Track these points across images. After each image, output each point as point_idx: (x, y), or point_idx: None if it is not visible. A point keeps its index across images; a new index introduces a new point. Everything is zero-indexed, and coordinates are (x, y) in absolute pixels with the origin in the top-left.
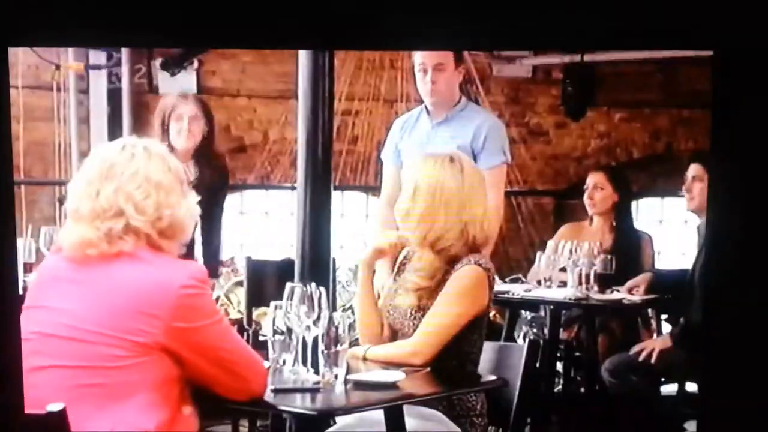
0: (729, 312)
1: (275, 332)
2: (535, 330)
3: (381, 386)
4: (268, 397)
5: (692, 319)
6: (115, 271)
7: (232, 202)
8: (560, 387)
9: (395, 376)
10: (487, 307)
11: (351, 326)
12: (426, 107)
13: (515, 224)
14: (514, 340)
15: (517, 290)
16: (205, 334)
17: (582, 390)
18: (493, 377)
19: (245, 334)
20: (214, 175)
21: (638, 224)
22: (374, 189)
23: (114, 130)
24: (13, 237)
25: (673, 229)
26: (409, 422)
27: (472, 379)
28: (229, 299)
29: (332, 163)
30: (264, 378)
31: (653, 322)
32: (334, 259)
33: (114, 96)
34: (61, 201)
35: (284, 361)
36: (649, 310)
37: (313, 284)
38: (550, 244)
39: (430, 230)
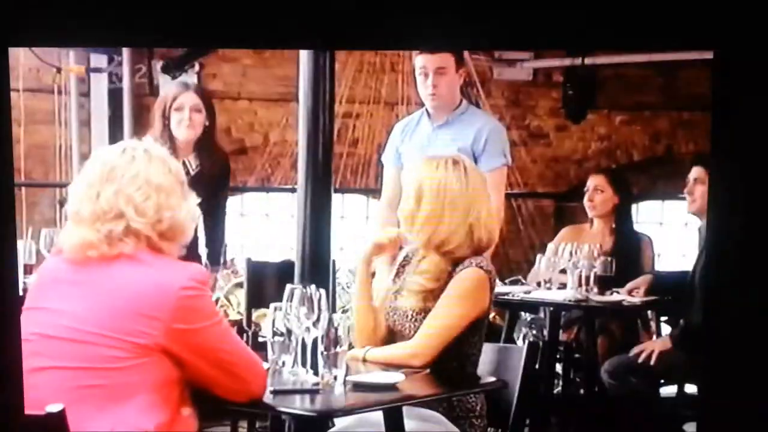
0: (729, 313)
1: (275, 333)
2: (534, 331)
3: (380, 388)
4: (268, 398)
5: (692, 321)
6: (116, 273)
7: (232, 203)
8: (560, 388)
9: (395, 377)
10: (488, 309)
11: (351, 328)
12: (427, 110)
13: (515, 226)
14: (514, 342)
15: (517, 292)
16: (205, 335)
17: (581, 391)
18: (492, 379)
19: (245, 335)
20: (215, 168)
21: (638, 226)
22: (375, 191)
23: (115, 133)
24: (14, 239)
25: (674, 231)
26: (409, 423)
27: (471, 381)
28: (228, 300)
29: (333, 165)
30: (263, 379)
31: (653, 324)
32: (334, 261)
33: (115, 97)
34: (62, 203)
35: (284, 363)
36: (649, 312)
37: (313, 286)
38: (551, 246)
39: (436, 232)
